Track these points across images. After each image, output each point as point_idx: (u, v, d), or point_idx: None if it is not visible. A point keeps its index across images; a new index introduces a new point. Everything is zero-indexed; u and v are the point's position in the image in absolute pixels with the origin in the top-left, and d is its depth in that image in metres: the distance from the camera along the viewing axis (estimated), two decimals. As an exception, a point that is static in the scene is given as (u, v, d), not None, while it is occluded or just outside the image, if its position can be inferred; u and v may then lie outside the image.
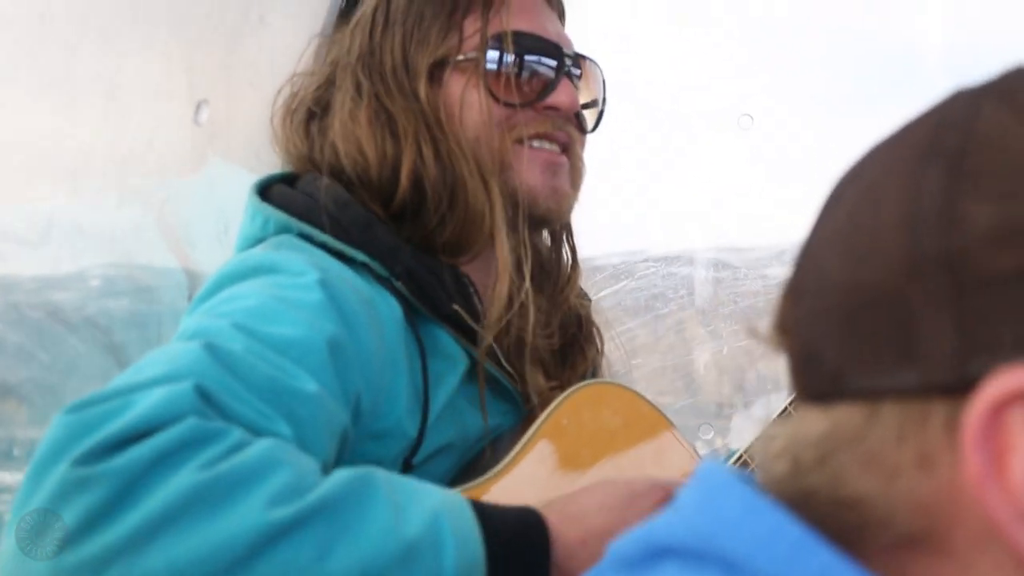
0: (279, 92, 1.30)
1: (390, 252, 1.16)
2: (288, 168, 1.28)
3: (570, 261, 1.38)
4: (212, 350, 0.92)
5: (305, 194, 1.20)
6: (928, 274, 0.43)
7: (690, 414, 2.39)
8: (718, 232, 2.34)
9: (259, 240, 1.19)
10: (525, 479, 1.18)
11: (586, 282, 1.47)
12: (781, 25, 2.30)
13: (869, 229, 0.46)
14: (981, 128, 0.45)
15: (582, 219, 1.38)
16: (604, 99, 1.36)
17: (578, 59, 1.31)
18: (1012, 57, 0.51)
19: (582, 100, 1.31)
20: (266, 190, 1.24)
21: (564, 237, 1.38)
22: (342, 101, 1.24)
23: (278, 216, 1.18)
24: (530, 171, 1.23)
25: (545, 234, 1.38)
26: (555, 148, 1.27)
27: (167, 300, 2.16)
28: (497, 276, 1.20)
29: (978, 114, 0.45)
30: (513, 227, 1.22)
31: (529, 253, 1.25)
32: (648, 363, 2.42)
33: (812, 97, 2.29)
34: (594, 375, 1.38)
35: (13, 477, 2.11)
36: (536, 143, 1.25)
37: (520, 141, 1.24)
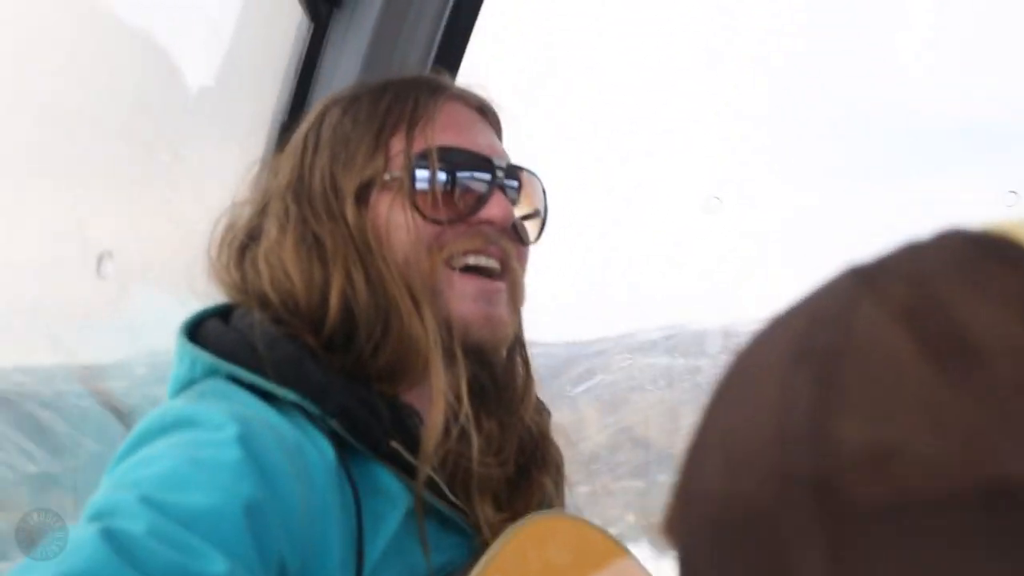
0: (216, 222, 1.27)
1: (321, 389, 1.12)
2: (226, 299, 1.25)
3: (523, 376, 1.32)
4: (111, 538, 0.88)
5: (236, 330, 1.17)
6: (798, 498, 0.40)
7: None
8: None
9: (189, 382, 1.16)
10: None
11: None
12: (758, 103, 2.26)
13: (744, 435, 0.43)
14: (857, 329, 0.40)
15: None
16: (546, 208, 1.31)
17: (514, 171, 1.27)
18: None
19: (522, 211, 1.28)
20: (199, 326, 1.21)
21: (516, 350, 1.32)
22: (270, 228, 1.22)
23: (204, 358, 1.15)
24: (462, 300, 1.20)
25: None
26: (491, 263, 1.23)
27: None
28: (432, 404, 1.16)
29: (855, 311, 0.41)
30: (449, 353, 1.17)
31: (465, 378, 1.20)
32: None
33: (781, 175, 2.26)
34: (552, 500, 1.31)
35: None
36: (472, 259, 1.21)
37: (451, 262, 1.20)
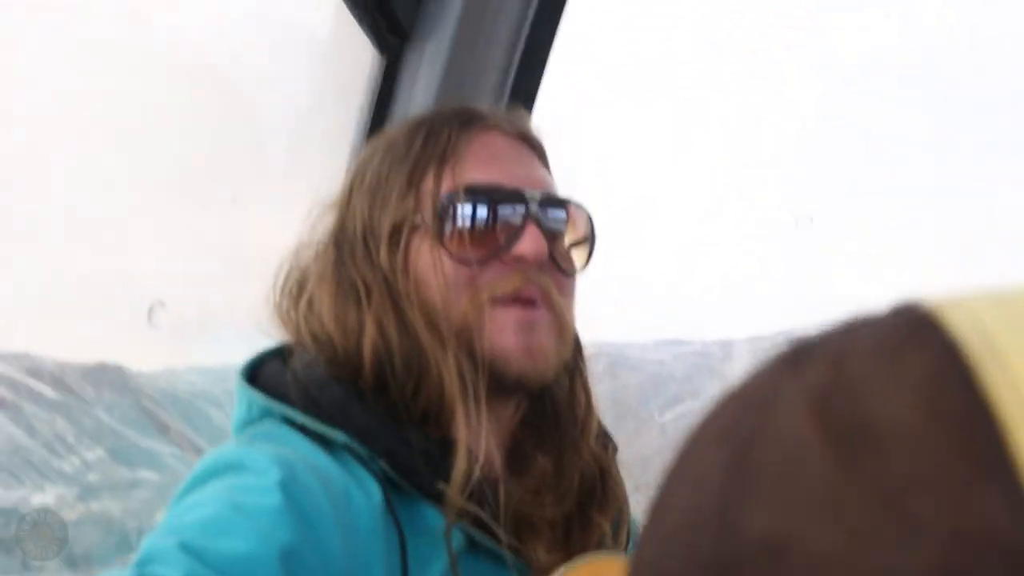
0: (281, 265, 1.29)
1: (368, 431, 1.15)
2: (287, 340, 1.27)
3: (584, 408, 1.29)
4: None
5: (291, 372, 1.19)
6: None
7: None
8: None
9: (247, 423, 1.20)
10: None
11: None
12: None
13: (672, 513, 0.43)
14: (774, 413, 0.40)
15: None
16: (592, 236, 1.29)
17: (553, 200, 1.24)
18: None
19: (569, 240, 1.26)
20: (260, 367, 1.24)
21: (577, 380, 1.31)
22: (315, 273, 1.24)
23: (260, 399, 1.18)
24: (501, 332, 1.17)
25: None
26: (531, 297, 1.21)
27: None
28: (456, 453, 1.17)
29: (777, 393, 0.40)
30: (490, 393, 1.17)
31: (518, 413, 1.22)
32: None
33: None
34: (610, 541, 1.29)
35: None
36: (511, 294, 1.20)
37: (493, 302, 1.18)
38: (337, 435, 1.13)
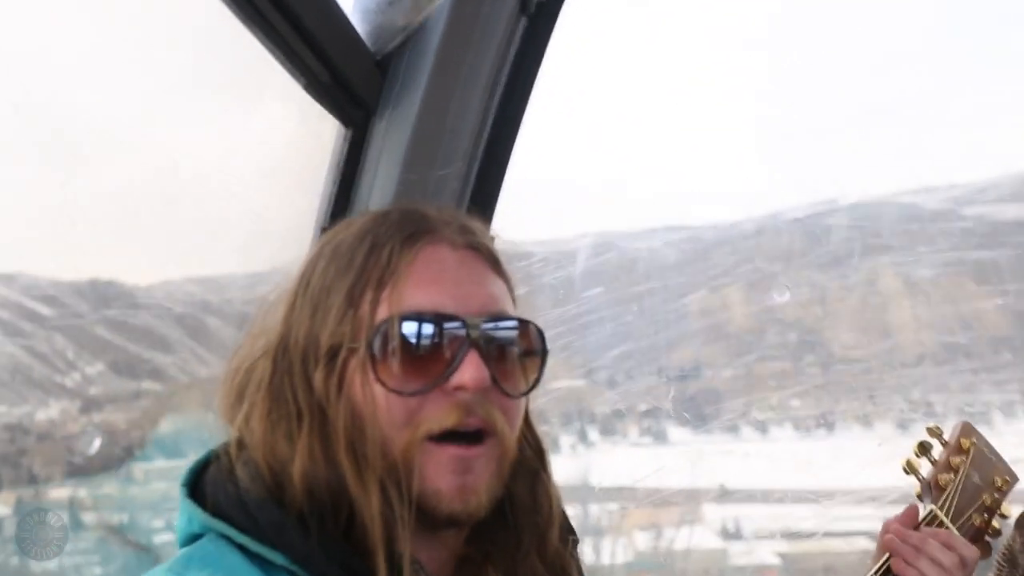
0: (233, 357, 1.24)
1: (305, 556, 1.11)
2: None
3: (548, 511, 1.25)
4: None
5: (232, 484, 1.15)
6: None
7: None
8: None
9: (190, 536, 1.18)
10: None
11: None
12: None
13: None
14: None
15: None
16: (544, 351, 1.21)
17: (502, 318, 1.18)
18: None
19: (519, 352, 1.19)
20: (202, 473, 1.20)
21: (539, 485, 1.26)
22: (253, 383, 1.19)
23: (200, 515, 1.15)
24: (436, 473, 1.13)
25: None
26: (471, 430, 1.16)
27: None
28: None
29: None
30: (401, 537, 1.12)
31: (447, 543, 1.20)
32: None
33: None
34: None
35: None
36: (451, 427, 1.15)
37: (429, 435, 1.13)
38: (276, 557, 1.11)
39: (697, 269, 2.93)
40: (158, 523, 2.81)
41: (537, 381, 1.21)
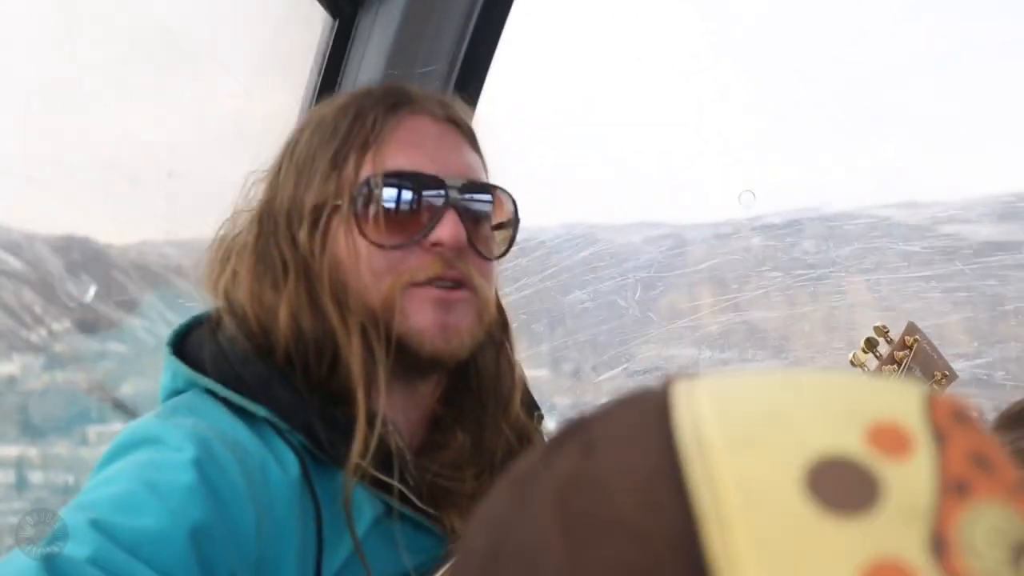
0: (219, 231, 1.31)
1: (288, 407, 1.17)
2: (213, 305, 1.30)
3: (508, 383, 1.33)
4: (52, 566, 0.93)
5: (216, 343, 1.22)
6: None
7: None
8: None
9: (172, 392, 1.24)
10: None
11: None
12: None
13: None
14: (528, 506, 0.43)
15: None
16: (516, 221, 1.30)
17: (475, 187, 1.26)
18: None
19: (494, 222, 1.28)
20: (186, 335, 1.27)
21: (501, 356, 1.34)
22: (238, 246, 1.27)
23: (184, 371, 1.21)
24: (418, 312, 1.20)
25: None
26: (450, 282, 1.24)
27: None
28: (356, 434, 1.18)
29: (533, 485, 0.43)
30: (379, 379, 1.19)
31: (437, 392, 1.27)
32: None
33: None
34: None
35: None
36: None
37: (412, 285, 1.21)
38: (258, 409, 1.17)
39: (672, 267, 2.93)
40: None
41: (509, 247, 1.30)
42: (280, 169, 1.28)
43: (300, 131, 1.29)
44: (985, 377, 2.72)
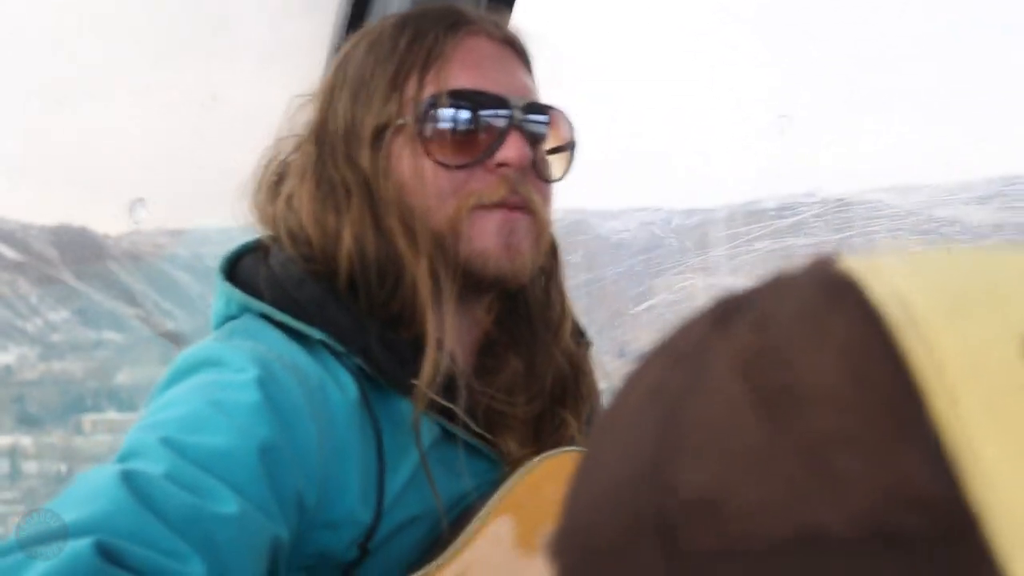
0: (263, 157, 1.29)
1: (345, 330, 1.17)
2: (262, 232, 1.29)
3: (559, 310, 1.33)
4: (130, 480, 0.94)
5: (268, 268, 1.21)
6: (643, 539, 0.40)
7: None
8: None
9: (225, 318, 1.23)
10: (478, 564, 1.18)
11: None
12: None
13: (606, 469, 0.43)
14: (704, 373, 0.41)
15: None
16: (574, 144, 1.29)
17: (536, 107, 1.25)
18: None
19: (550, 145, 1.27)
20: (237, 262, 1.26)
21: (552, 283, 1.33)
22: (294, 170, 1.25)
23: (239, 296, 1.20)
24: (482, 234, 1.19)
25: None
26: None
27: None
28: (425, 355, 1.18)
29: (706, 353, 0.41)
30: (448, 301, 1.20)
31: (491, 316, 1.27)
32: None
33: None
34: (580, 437, 1.33)
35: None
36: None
37: (478, 207, 1.20)
38: (314, 332, 1.16)
39: (663, 254, 2.93)
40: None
41: (567, 170, 1.29)
42: (332, 90, 1.25)
43: (351, 51, 1.26)
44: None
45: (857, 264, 0.40)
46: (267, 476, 1.02)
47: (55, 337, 2.49)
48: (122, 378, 2.69)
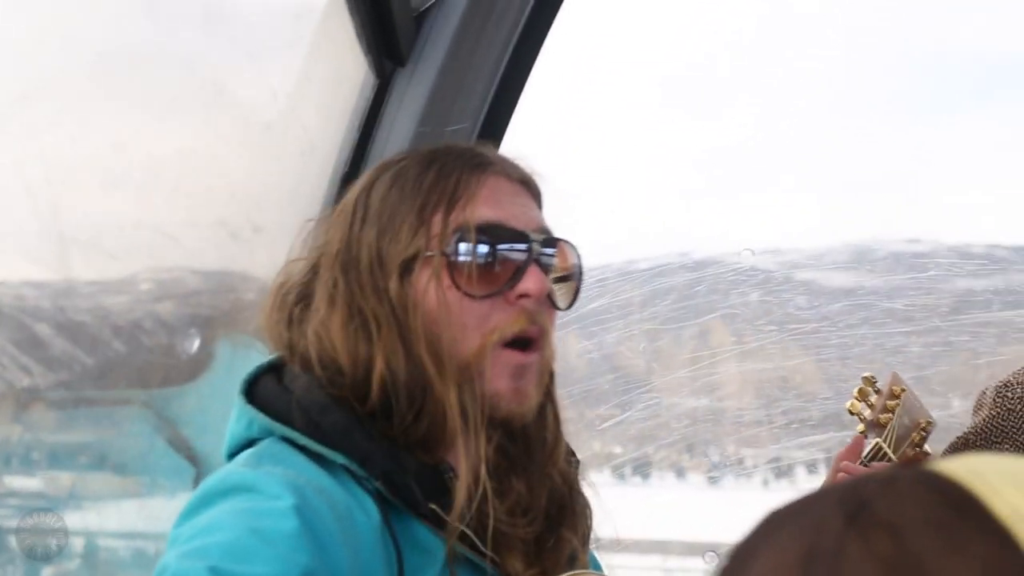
0: (276, 279, 1.34)
1: (367, 455, 1.22)
2: (276, 353, 1.33)
3: (553, 432, 1.37)
4: None
5: (288, 392, 1.26)
6: None
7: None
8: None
9: (245, 441, 1.27)
10: None
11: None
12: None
13: None
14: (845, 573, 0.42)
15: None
16: (580, 274, 1.36)
17: (551, 241, 1.32)
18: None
19: (557, 275, 1.33)
20: (255, 383, 1.30)
21: (547, 407, 1.37)
22: (319, 297, 1.29)
23: (261, 419, 1.25)
24: (498, 376, 1.25)
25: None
26: (530, 336, 1.29)
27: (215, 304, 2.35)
28: (459, 479, 1.24)
29: (844, 554, 0.43)
30: (479, 426, 1.25)
31: (494, 444, 1.29)
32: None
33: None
34: (578, 553, 1.39)
35: (25, 482, 2.30)
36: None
37: (501, 344, 1.26)
38: (337, 457, 1.21)
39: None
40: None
41: (575, 298, 1.36)
42: (353, 219, 1.30)
43: (372, 183, 1.32)
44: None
45: (966, 474, 0.44)
46: None
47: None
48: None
